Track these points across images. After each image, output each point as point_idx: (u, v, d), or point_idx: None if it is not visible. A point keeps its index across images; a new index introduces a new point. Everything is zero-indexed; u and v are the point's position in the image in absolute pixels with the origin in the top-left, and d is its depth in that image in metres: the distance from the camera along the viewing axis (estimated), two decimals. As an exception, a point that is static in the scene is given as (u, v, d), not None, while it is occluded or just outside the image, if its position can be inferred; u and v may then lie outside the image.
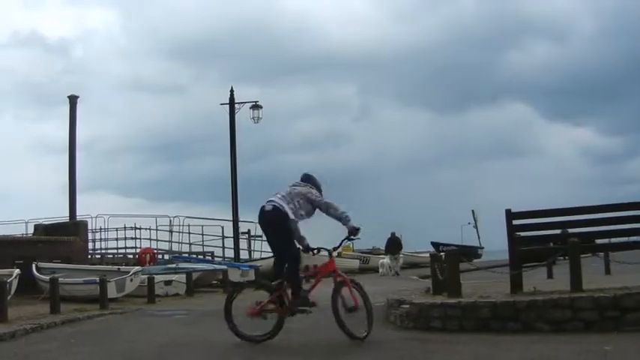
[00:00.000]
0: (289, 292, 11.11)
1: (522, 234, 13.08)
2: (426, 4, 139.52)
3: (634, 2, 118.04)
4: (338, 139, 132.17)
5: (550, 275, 20.07)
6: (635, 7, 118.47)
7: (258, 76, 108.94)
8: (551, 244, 14.22)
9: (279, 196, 10.98)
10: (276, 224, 10.91)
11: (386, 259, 37.85)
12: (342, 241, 11.37)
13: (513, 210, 12.55)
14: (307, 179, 11.42)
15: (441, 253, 17.90)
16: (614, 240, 14.26)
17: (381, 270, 37.40)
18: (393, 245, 38.45)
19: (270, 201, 10.95)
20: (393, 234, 38.95)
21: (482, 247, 59.11)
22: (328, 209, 10.96)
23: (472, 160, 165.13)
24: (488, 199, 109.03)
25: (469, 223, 61.52)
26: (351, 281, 11.14)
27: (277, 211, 10.78)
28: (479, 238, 60.27)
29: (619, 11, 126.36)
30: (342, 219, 10.87)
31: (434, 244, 46.51)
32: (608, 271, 19.69)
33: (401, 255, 39.01)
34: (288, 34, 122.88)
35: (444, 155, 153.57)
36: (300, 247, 11.15)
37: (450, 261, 12.77)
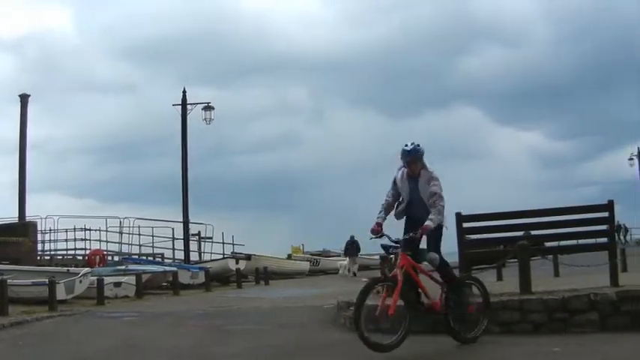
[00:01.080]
0: None
1: (472, 236, 13.15)
2: (381, 7, 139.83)
3: (587, 8, 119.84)
4: (291, 141, 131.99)
5: (500, 277, 20.20)
6: (589, 13, 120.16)
7: (213, 77, 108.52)
8: (501, 247, 14.33)
9: None
10: None
11: (345, 261, 39.18)
12: None
13: (463, 213, 12.61)
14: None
15: (391, 256, 17.92)
16: (563, 243, 14.43)
17: (341, 271, 38.78)
18: (352, 248, 39.16)
19: None
20: (352, 237, 39.43)
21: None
22: None
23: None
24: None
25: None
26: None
27: None
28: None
29: (572, 17, 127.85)
30: None
31: (384, 246, 46.56)
32: (557, 274, 19.90)
33: (359, 257, 39.58)
34: (242, 35, 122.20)
35: (393, 159, 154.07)
36: None
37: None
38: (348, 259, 39.40)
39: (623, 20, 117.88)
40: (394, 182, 10.08)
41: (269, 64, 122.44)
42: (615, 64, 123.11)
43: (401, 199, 10.06)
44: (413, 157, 9.75)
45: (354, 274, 37.05)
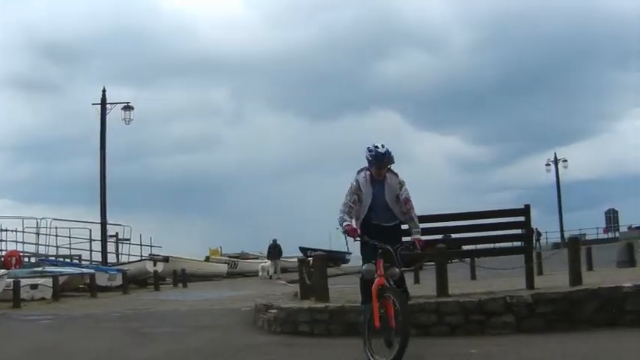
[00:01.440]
0: None
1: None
2: (303, 9, 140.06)
3: (506, 15, 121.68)
4: (211, 142, 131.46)
5: (417, 280, 20.37)
6: (507, 20, 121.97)
7: (134, 77, 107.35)
8: (419, 250, 14.40)
9: None
10: None
11: (267, 264, 39.68)
12: None
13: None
14: None
15: (309, 258, 17.93)
16: (480, 246, 14.57)
17: (260, 273, 39.24)
18: (275, 251, 39.69)
19: None
20: (274, 240, 40.25)
21: (350, 253, 59.50)
22: None
23: (343, 166, 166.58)
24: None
25: (337, 228, 61.67)
26: None
27: None
28: (347, 243, 60.57)
29: (491, 23, 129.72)
30: None
31: (302, 249, 46.55)
32: (474, 277, 20.14)
33: (280, 260, 39.96)
34: (164, 35, 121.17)
35: (316, 161, 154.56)
36: None
37: (317, 266, 12.78)
38: (269, 262, 39.68)
39: (540, 26, 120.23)
40: (357, 186, 9.46)
41: (190, 64, 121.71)
42: (533, 70, 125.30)
43: (358, 203, 9.51)
44: (387, 160, 9.33)
45: (271, 277, 37.46)
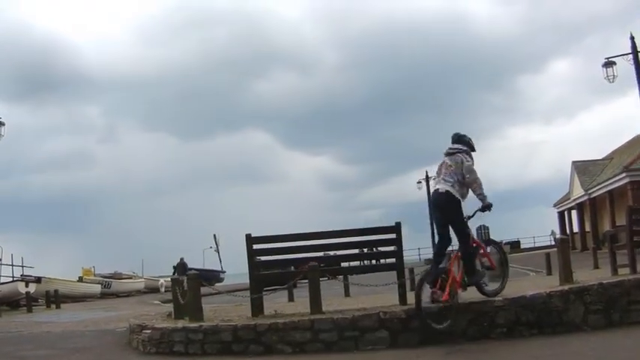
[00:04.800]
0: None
1: (263, 258, 13.25)
2: (177, 29, 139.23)
3: (376, 37, 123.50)
4: (84, 160, 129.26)
5: (291, 298, 20.46)
6: (377, 42, 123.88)
7: (9, 93, 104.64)
8: (293, 268, 14.52)
9: (444, 177, 11.10)
10: (448, 209, 11.07)
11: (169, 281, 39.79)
12: (475, 211, 11.24)
13: (254, 235, 12.70)
14: (459, 140, 11.52)
15: (183, 277, 17.84)
16: (353, 263, 14.77)
17: (161, 290, 41.11)
18: (180, 269, 40.84)
19: (441, 182, 11.09)
20: (182, 259, 42.52)
21: (224, 271, 59.52)
22: (472, 180, 11.03)
23: (215, 185, 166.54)
24: (232, 224, 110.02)
25: (211, 247, 61.56)
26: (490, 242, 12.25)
27: (450, 197, 10.94)
28: (220, 262, 60.48)
29: (361, 45, 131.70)
30: (479, 196, 11.02)
31: (175, 268, 46.26)
32: (347, 294, 20.34)
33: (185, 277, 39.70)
34: (36, 52, 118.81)
35: (186, 180, 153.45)
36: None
37: (191, 285, 12.72)
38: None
39: (411, 48, 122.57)
40: None
41: (63, 81, 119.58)
42: (403, 91, 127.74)
43: None
44: None
45: None
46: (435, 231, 11.82)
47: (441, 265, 11.03)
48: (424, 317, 10.35)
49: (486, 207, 11.04)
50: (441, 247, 11.32)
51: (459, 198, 10.97)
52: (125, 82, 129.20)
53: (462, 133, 11.62)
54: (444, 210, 11.13)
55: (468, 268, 10.92)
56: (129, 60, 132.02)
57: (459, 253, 11.02)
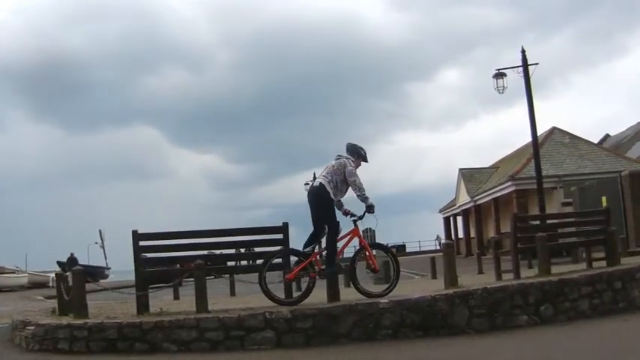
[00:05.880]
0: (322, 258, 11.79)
1: (149, 255, 13.07)
2: (66, 18, 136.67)
3: (270, 36, 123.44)
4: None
5: (177, 296, 20.22)
6: (270, 42, 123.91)
7: None
8: (178, 266, 14.37)
9: (324, 173, 11.72)
10: (318, 203, 11.67)
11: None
12: (364, 212, 11.67)
13: (140, 231, 12.52)
14: (351, 149, 12.04)
15: (67, 273, 17.45)
16: (242, 262, 14.69)
17: (51, 284, 39.77)
18: (71, 264, 38.90)
19: (320, 177, 11.76)
20: (72, 254, 42.53)
21: (109, 268, 58.58)
22: (352, 182, 11.58)
23: (101, 180, 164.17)
24: (118, 219, 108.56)
25: (96, 243, 60.40)
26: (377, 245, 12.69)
27: (322, 189, 11.56)
28: (106, 258, 59.42)
29: (254, 45, 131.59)
30: (360, 197, 11.57)
31: (60, 263, 45.29)
32: (233, 293, 20.23)
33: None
34: None
35: (72, 174, 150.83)
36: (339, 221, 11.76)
37: (75, 281, 12.43)
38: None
39: (301, 50, 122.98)
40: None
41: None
42: (293, 92, 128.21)
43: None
44: None
45: None
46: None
47: (305, 249, 11.75)
48: (267, 290, 11.41)
49: (369, 208, 11.53)
50: (310, 240, 11.81)
51: (331, 195, 11.52)
52: (11, 71, 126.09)
53: (358, 145, 12.10)
54: (315, 203, 11.72)
55: (328, 260, 11.55)
56: (16, 49, 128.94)
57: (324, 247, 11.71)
